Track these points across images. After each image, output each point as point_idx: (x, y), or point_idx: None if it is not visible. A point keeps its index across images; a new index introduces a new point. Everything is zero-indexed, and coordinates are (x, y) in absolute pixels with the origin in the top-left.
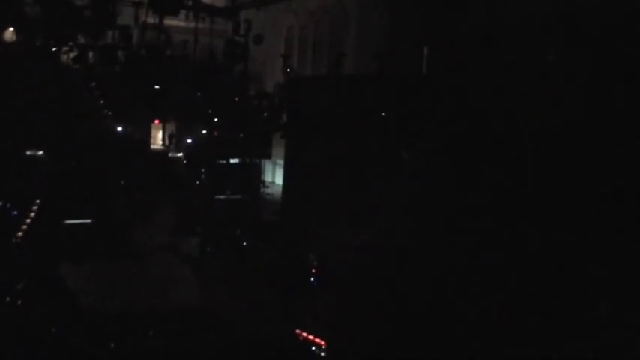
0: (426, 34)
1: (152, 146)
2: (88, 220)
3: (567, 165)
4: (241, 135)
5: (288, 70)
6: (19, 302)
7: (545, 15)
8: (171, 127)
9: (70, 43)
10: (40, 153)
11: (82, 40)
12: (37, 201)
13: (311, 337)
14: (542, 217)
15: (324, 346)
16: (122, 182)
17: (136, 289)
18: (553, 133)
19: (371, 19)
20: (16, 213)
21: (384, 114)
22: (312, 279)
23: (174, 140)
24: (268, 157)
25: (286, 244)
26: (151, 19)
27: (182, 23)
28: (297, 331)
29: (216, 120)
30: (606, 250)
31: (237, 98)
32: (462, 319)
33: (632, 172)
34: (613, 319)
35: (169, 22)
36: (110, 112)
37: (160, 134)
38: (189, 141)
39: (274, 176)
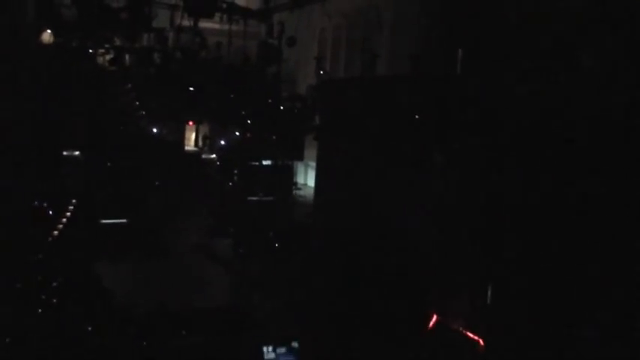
0: (460, 35)
1: (186, 147)
2: (124, 220)
3: (603, 166)
4: (274, 137)
5: (321, 72)
6: (55, 301)
7: (582, 16)
8: (204, 129)
9: (107, 46)
10: (77, 153)
11: (118, 42)
12: (74, 200)
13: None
14: (575, 221)
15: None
16: (157, 183)
17: (170, 288)
18: (588, 136)
19: (404, 21)
20: (52, 212)
21: (417, 116)
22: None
23: (207, 142)
24: (300, 158)
25: (317, 246)
26: (186, 22)
27: (216, 25)
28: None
29: (249, 122)
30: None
31: (270, 100)
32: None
33: None
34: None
35: (204, 24)
36: (145, 114)
37: (193, 135)
38: (222, 142)
39: (306, 178)
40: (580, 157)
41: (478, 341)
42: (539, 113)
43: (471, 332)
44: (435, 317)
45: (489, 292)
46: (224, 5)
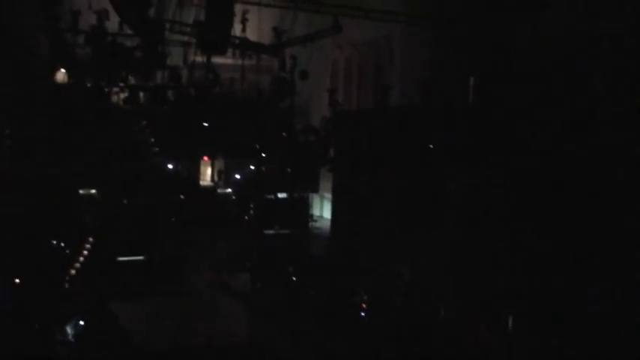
0: (471, 65)
1: (202, 182)
2: (140, 257)
3: (615, 199)
4: (289, 170)
5: (335, 104)
6: (73, 340)
7: (593, 45)
8: (219, 164)
9: (121, 84)
10: (93, 191)
11: (132, 80)
12: (90, 239)
13: None
14: (591, 253)
15: None
16: (173, 219)
17: (188, 326)
18: (601, 166)
19: (416, 50)
20: (68, 251)
21: (431, 145)
22: (362, 314)
23: (222, 176)
24: (316, 191)
25: (336, 280)
26: (199, 58)
27: (229, 61)
28: None
29: (263, 155)
30: None
31: (284, 133)
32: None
33: None
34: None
35: (217, 60)
36: (160, 150)
37: (209, 170)
38: (237, 176)
39: (322, 210)
40: (594, 185)
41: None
42: (551, 139)
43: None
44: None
45: (511, 320)
46: (236, 41)
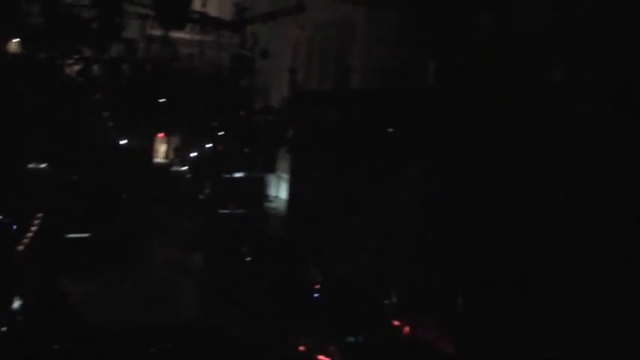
0: (432, 48)
1: (156, 159)
2: (91, 234)
3: (569, 173)
4: (246, 149)
5: (295, 84)
6: (21, 318)
7: (552, 30)
8: (175, 141)
9: (75, 56)
10: (43, 166)
11: (87, 52)
12: (39, 214)
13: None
14: (545, 231)
15: None
16: (124, 196)
17: (139, 304)
18: (558, 145)
19: (377, 33)
20: (16, 227)
21: (390, 128)
22: (315, 294)
23: (178, 154)
24: (273, 171)
25: (290, 260)
26: (157, 32)
27: (188, 36)
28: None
29: (221, 134)
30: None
31: (242, 112)
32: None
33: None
34: None
35: (175, 34)
36: (114, 125)
37: (164, 147)
38: (193, 154)
39: (279, 190)
40: (550, 164)
41: (447, 351)
42: (510, 123)
43: (442, 342)
44: (407, 328)
45: (460, 302)
46: (196, 16)
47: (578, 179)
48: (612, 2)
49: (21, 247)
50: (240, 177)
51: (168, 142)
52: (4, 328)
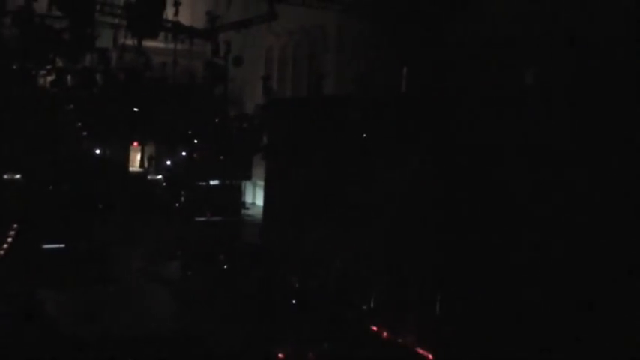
0: (405, 55)
1: (131, 168)
2: (67, 245)
3: (544, 181)
4: (221, 157)
5: (269, 91)
6: None
7: (525, 36)
8: (150, 150)
9: (48, 66)
10: (18, 177)
11: (60, 63)
12: (15, 225)
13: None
14: (526, 231)
15: None
16: (100, 205)
17: (116, 314)
18: (531, 150)
19: (350, 40)
20: None
21: (364, 135)
22: (292, 301)
23: (153, 162)
24: (248, 178)
25: (267, 267)
26: (130, 42)
27: (161, 45)
28: None
29: (195, 142)
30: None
31: (217, 120)
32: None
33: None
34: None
35: (148, 44)
36: (89, 135)
37: (139, 156)
38: (168, 163)
39: (255, 197)
40: (527, 166)
41: (427, 355)
42: (483, 129)
43: (420, 347)
44: (385, 333)
45: (438, 306)
46: (169, 24)
47: (553, 179)
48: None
49: None
50: (216, 185)
51: (143, 151)
52: None
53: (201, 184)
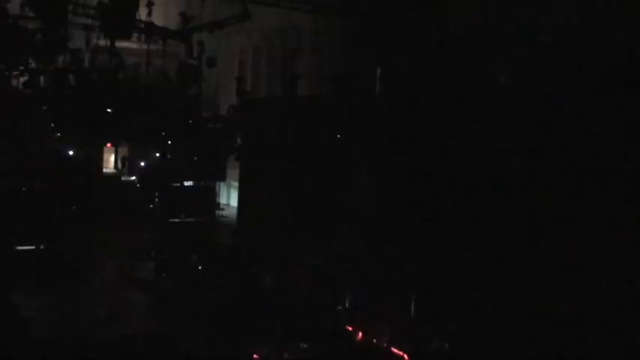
0: (379, 54)
1: (104, 170)
2: (40, 246)
3: (520, 182)
4: (195, 158)
5: (242, 92)
6: None
7: (498, 35)
8: (123, 151)
9: (21, 67)
10: None
11: (32, 64)
12: None
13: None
14: (498, 234)
15: None
16: (74, 207)
17: (90, 316)
18: (504, 152)
19: (325, 41)
20: None
21: (338, 135)
22: (267, 301)
23: (127, 164)
24: (223, 179)
25: (241, 267)
26: (103, 42)
27: (134, 45)
28: None
29: (169, 143)
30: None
31: (190, 121)
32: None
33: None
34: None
35: (121, 44)
36: (61, 136)
37: (112, 158)
38: (142, 164)
39: (229, 198)
40: (501, 167)
41: (403, 356)
42: (457, 129)
43: (396, 348)
44: (360, 334)
45: (413, 307)
46: (142, 25)
47: (530, 179)
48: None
49: None
50: (190, 185)
51: (117, 153)
52: None
53: (175, 185)
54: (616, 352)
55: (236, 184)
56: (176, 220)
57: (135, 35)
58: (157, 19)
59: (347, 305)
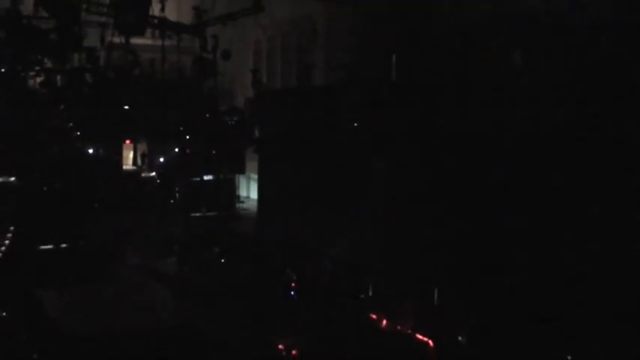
0: (394, 42)
1: (124, 167)
2: (64, 245)
3: (537, 170)
4: (214, 151)
5: (258, 84)
6: None
7: (512, 19)
8: (142, 147)
9: (37, 68)
10: (12, 179)
11: (48, 63)
12: (11, 227)
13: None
14: (514, 225)
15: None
16: (95, 204)
17: (115, 312)
18: (523, 138)
19: (339, 30)
20: None
21: (355, 124)
22: (291, 293)
23: (146, 160)
24: (242, 172)
25: (263, 259)
26: (117, 39)
27: (149, 41)
28: None
29: (187, 137)
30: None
31: (207, 115)
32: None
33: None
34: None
35: (136, 41)
36: (80, 135)
37: (131, 154)
38: (161, 160)
39: (249, 191)
40: (516, 157)
41: (428, 342)
42: (475, 116)
43: (420, 334)
44: (384, 320)
45: (437, 293)
46: (155, 21)
47: (546, 168)
48: None
49: None
50: (210, 179)
51: (135, 149)
52: None
53: (194, 179)
54: None
55: (255, 176)
56: (197, 214)
57: (149, 31)
58: (171, 14)
59: (370, 293)
